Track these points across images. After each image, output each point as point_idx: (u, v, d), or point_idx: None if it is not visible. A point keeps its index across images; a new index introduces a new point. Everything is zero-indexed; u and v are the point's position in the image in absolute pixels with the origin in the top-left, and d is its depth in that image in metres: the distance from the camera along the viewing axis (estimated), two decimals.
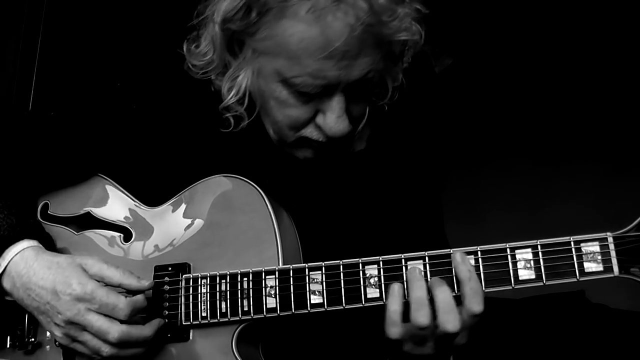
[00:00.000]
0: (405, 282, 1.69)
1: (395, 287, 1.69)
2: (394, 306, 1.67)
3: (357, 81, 1.79)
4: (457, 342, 1.69)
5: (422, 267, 1.69)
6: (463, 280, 1.65)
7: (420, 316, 1.64)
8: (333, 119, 1.82)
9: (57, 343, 1.89)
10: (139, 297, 1.81)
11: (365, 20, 1.68)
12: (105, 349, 1.78)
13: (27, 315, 1.94)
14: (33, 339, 1.94)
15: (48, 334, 1.93)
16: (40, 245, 1.90)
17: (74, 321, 1.77)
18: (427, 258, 1.70)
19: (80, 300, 1.77)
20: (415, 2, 1.82)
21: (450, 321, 1.62)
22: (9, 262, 1.85)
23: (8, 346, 1.96)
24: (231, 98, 1.89)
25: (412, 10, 1.80)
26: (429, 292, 1.66)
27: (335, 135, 1.84)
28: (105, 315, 1.77)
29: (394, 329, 1.67)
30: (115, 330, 1.76)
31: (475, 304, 1.64)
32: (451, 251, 1.69)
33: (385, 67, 1.86)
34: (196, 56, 1.91)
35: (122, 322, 1.78)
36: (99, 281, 1.81)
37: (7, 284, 1.86)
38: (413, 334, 1.67)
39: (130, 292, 1.83)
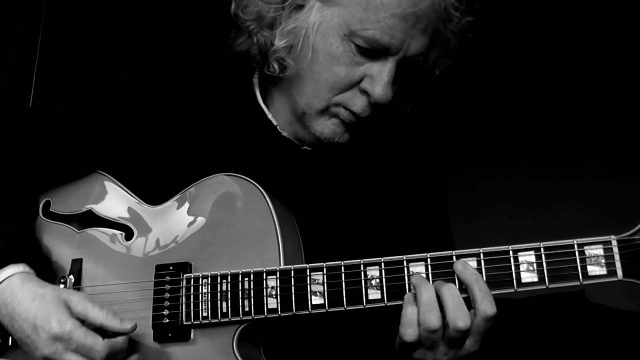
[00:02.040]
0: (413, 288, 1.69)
1: (408, 294, 1.69)
2: (411, 308, 1.67)
3: (410, 60, 1.85)
4: (469, 349, 1.68)
5: (423, 270, 1.70)
6: (470, 282, 1.65)
7: (431, 318, 1.64)
8: (382, 83, 1.85)
9: None
10: (119, 340, 1.80)
11: (448, 1, 1.79)
12: None
13: None
14: None
15: None
16: (27, 270, 1.87)
17: (52, 359, 1.77)
18: (429, 259, 1.70)
19: (57, 340, 1.76)
20: (471, 31, 1.93)
21: (460, 317, 1.63)
22: None
23: (10, 344, 1.95)
24: (283, 43, 1.90)
25: (466, 28, 1.90)
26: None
27: (380, 100, 1.86)
28: (84, 355, 1.76)
29: (410, 329, 1.66)
30: None
31: (488, 306, 1.64)
32: (453, 253, 1.69)
33: (425, 65, 1.91)
34: (252, 5, 1.93)
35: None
36: (82, 320, 1.80)
37: None
38: (424, 337, 1.66)
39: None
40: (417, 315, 1.66)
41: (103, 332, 1.79)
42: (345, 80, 1.88)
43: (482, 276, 1.66)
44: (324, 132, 1.95)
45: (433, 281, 1.69)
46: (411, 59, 1.85)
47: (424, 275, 1.69)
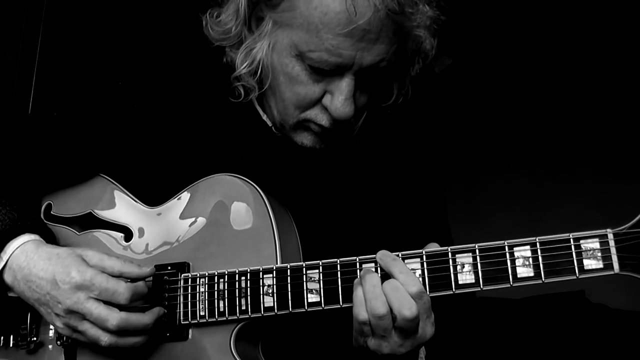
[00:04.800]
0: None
1: (357, 279, 1.70)
2: (360, 289, 1.68)
3: (369, 68, 1.83)
4: (422, 334, 1.68)
5: (419, 267, 1.69)
6: (389, 268, 1.68)
7: (377, 304, 1.64)
8: (340, 100, 1.85)
9: (58, 342, 1.90)
10: (140, 283, 1.80)
11: (390, 5, 1.74)
12: (105, 338, 1.76)
13: (29, 315, 1.94)
14: (35, 338, 1.94)
15: (50, 333, 1.94)
16: (42, 239, 1.89)
17: (74, 309, 1.76)
18: (424, 256, 1.69)
19: (79, 289, 1.76)
20: (437, 9, 1.89)
21: (405, 306, 1.62)
22: (10, 255, 1.85)
23: (11, 345, 1.96)
24: (244, 68, 1.93)
25: (433, 13, 1.87)
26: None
27: (339, 117, 1.87)
28: (105, 302, 1.76)
29: (362, 308, 1.66)
30: (114, 317, 1.75)
31: (410, 284, 1.65)
32: (449, 249, 1.68)
33: (396, 62, 1.89)
34: (215, 25, 1.96)
35: (122, 309, 1.77)
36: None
37: (8, 278, 1.85)
38: (374, 325, 1.66)
39: (132, 280, 1.82)
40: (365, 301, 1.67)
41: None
42: (307, 98, 1.89)
43: (478, 271, 1.65)
44: (304, 142, 1.98)
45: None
46: (371, 67, 1.84)
47: (420, 272, 1.68)
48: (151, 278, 1.87)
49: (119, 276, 1.79)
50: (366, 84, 1.89)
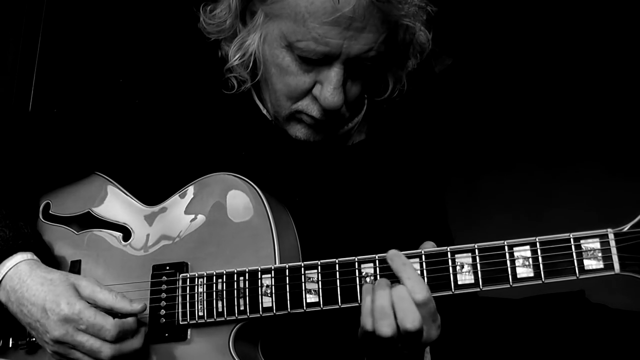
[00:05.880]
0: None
1: (366, 285, 1.68)
2: (370, 298, 1.66)
3: (358, 57, 1.84)
4: (426, 338, 1.66)
5: (418, 267, 1.68)
6: (398, 272, 1.65)
7: (384, 326, 1.62)
8: (329, 89, 1.86)
9: None
10: (129, 320, 1.80)
11: None
12: None
13: None
14: (34, 339, 1.92)
15: None
16: (35, 258, 1.89)
17: (63, 341, 1.77)
18: (423, 256, 1.68)
19: (67, 321, 1.76)
20: (426, 0, 1.90)
21: (408, 318, 1.60)
22: (4, 276, 1.85)
23: (10, 346, 1.96)
24: (236, 60, 1.95)
25: (421, 2, 1.88)
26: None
27: (328, 106, 1.87)
28: (94, 335, 1.77)
29: (370, 319, 1.64)
30: (106, 349, 1.77)
31: (416, 291, 1.62)
32: (448, 249, 1.67)
33: (386, 53, 1.89)
34: (211, 19, 1.99)
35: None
36: (91, 303, 1.80)
37: (2, 297, 1.86)
38: (379, 340, 1.64)
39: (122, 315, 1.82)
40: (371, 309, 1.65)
41: (113, 314, 1.80)
42: (298, 89, 1.90)
43: (478, 271, 1.64)
44: (297, 134, 1.98)
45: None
46: (359, 56, 1.84)
47: (419, 272, 1.68)
48: (149, 285, 1.88)
49: (109, 310, 1.80)
50: (357, 74, 1.91)
